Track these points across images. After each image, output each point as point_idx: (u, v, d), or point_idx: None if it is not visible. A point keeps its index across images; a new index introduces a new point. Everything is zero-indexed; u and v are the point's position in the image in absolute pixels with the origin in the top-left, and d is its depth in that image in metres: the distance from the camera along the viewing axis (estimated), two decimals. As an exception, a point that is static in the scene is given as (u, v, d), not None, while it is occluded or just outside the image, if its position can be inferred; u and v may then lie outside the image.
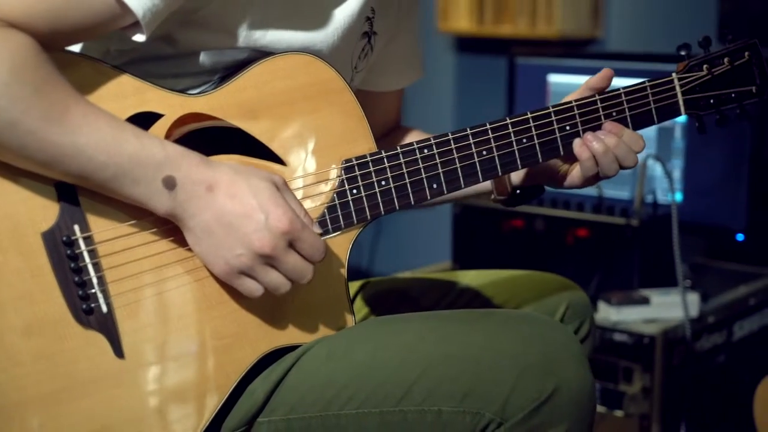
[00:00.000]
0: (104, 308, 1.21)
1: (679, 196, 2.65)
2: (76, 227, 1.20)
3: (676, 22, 2.98)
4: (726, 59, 1.46)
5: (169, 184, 1.18)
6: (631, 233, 2.44)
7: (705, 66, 1.45)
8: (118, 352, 1.21)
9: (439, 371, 1.24)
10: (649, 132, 2.58)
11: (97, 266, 1.21)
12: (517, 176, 1.50)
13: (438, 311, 1.36)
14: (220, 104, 1.28)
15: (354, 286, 1.64)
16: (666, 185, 2.47)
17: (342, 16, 1.37)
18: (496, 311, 1.35)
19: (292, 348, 1.29)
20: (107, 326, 1.21)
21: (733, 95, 1.47)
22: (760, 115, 2.56)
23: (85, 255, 1.20)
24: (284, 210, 1.20)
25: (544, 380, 1.22)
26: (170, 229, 1.24)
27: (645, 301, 2.39)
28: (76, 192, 1.21)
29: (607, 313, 2.39)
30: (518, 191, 1.49)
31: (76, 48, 1.29)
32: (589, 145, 1.39)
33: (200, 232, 1.21)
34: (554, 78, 2.83)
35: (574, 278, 1.69)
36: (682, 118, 2.28)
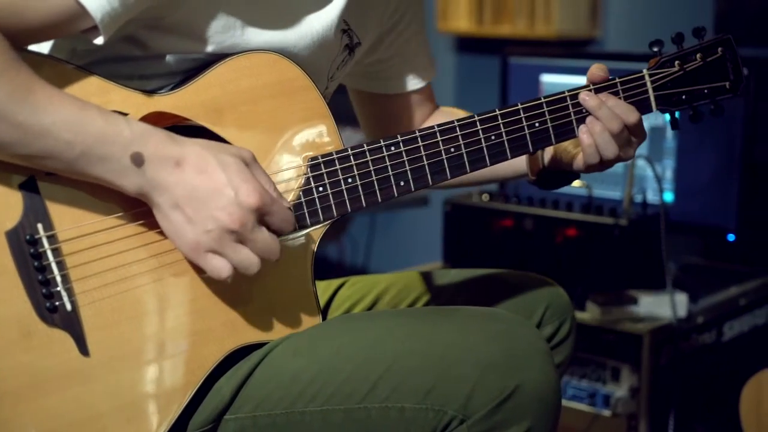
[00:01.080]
0: (68, 306, 1.21)
1: (670, 196, 2.64)
2: (40, 226, 1.20)
3: (674, 23, 2.96)
4: (698, 55, 1.46)
5: (137, 160, 1.18)
6: (620, 233, 2.43)
7: (677, 62, 1.45)
8: (83, 349, 1.21)
9: (403, 368, 1.24)
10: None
11: (60, 264, 1.21)
12: (547, 158, 1.49)
13: (406, 308, 1.35)
14: (185, 103, 1.28)
15: (333, 284, 1.64)
16: (656, 185, 2.46)
17: (320, 27, 1.37)
18: (463, 308, 1.34)
19: (258, 345, 1.30)
20: (72, 324, 1.21)
21: (705, 91, 1.47)
22: (751, 115, 2.55)
23: (49, 253, 1.20)
24: (254, 185, 1.20)
25: (506, 377, 1.22)
26: (135, 226, 1.24)
27: (633, 300, 2.38)
28: (39, 191, 1.21)
29: (595, 313, 2.39)
30: (545, 173, 1.49)
31: (43, 48, 1.30)
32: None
33: (168, 209, 1.20)
34: (547, 78, 2.82)
35: (563, 277, 1.69)
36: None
